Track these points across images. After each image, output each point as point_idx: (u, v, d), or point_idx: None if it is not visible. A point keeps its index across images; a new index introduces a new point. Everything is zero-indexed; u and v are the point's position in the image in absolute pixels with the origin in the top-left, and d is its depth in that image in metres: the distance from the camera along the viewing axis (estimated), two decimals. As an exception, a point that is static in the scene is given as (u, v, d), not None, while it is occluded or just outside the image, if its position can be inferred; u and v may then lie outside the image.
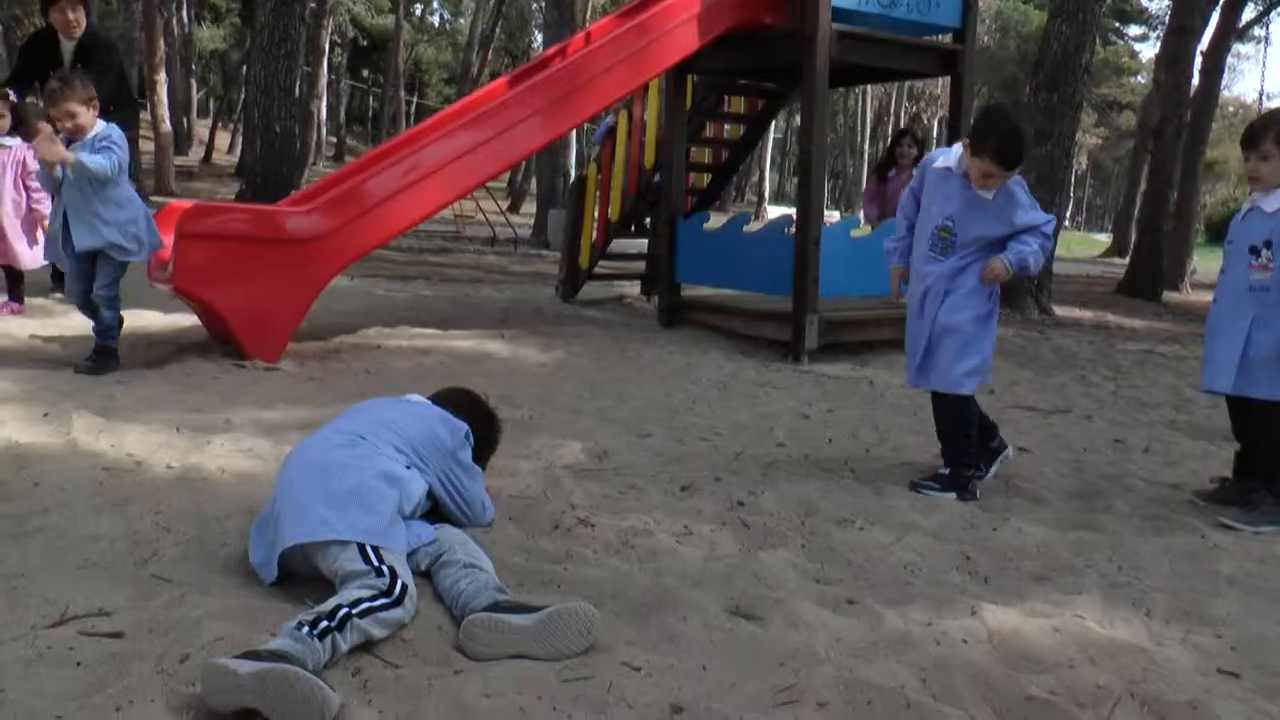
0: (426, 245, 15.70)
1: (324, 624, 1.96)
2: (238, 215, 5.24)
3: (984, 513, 3.31)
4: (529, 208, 25.75)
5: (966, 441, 3.53)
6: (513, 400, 4.63)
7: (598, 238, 8.96)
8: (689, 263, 7.31)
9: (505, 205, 22.50)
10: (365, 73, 46.47)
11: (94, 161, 4.42)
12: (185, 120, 33.78)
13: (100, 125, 4.62)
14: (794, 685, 2.01)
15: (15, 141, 6.05)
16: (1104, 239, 39.91)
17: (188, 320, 5.83)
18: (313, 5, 22.10)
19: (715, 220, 7.76)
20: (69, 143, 4.50)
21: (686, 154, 9.14)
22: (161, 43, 20.03)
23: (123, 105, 6.30)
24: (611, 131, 8.90)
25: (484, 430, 2.98)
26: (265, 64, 12.72)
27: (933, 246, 3.49)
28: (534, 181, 24.67)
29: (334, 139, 39.44)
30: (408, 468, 2.57)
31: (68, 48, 6.17)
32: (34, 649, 1.96)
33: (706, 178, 9.09)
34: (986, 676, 2.09)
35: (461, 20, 41.81)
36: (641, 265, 9.63)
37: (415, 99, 50.58)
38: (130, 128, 6.23)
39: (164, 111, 21.46)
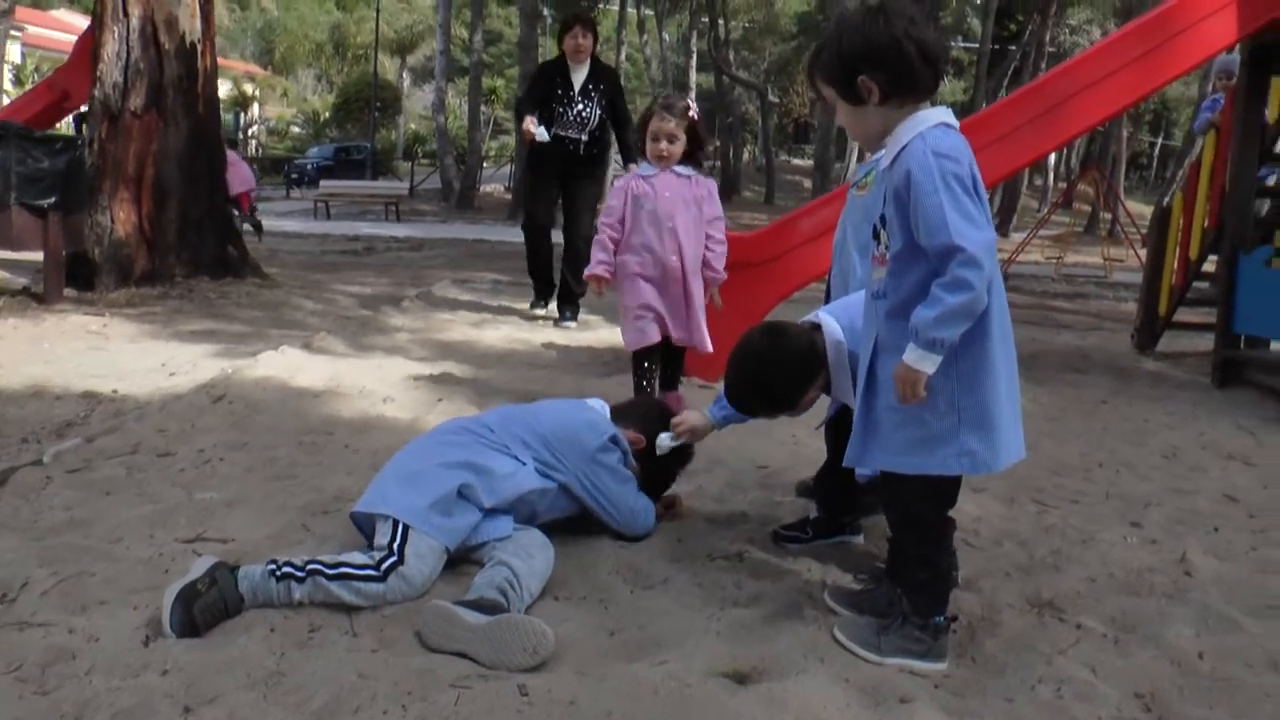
0: (1064, 290, 14.69)
1: (288, 569, 2.19)
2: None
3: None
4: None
5: None
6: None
7: (1177, 279, 7.65)
8: (1250, 309, 5.94)
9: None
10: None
11: None
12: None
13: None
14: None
15: (691, 172, 4.17)
16: None
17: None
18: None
19: None
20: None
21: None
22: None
23: (623, 124, 7.12)
24: (1214, 126, 7.45)
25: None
26: None
27: None
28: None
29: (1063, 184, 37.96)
30: (523, 462, 2.62)
31: (578, 74, 6.88)
32: (159, 551, 2.49)
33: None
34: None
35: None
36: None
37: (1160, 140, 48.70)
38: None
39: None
